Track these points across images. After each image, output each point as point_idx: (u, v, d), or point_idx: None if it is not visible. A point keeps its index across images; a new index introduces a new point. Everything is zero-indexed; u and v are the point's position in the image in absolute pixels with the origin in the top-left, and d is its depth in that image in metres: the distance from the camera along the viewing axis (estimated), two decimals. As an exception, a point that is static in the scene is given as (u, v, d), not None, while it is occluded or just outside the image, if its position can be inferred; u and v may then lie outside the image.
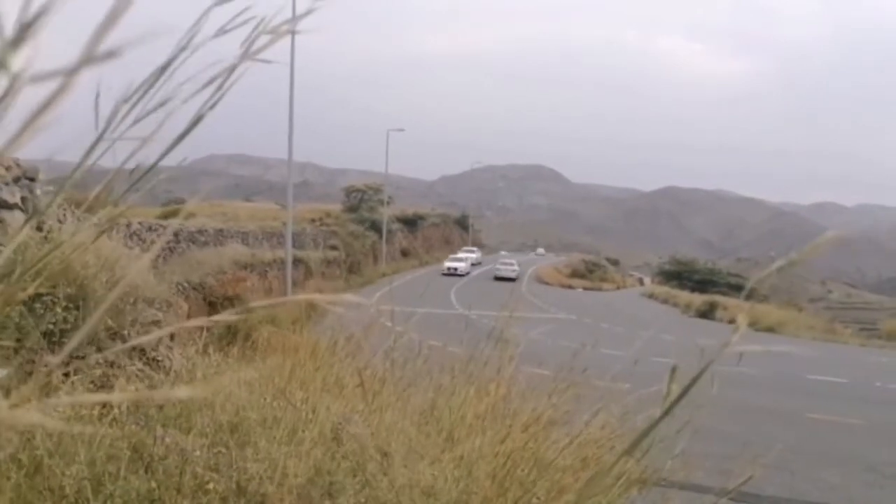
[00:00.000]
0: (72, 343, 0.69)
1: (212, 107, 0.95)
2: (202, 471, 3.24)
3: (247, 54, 0.92)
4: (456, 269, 50.30)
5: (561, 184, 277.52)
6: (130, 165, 0.96)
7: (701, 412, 4.11)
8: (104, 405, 3.72)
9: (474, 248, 67.76)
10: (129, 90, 0.91)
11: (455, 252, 60.97)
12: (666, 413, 0.89)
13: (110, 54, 0.68)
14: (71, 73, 0.66)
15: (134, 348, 4.78)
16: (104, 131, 0.89)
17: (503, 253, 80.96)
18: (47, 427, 0.59)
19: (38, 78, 0.66)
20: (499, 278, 48.81)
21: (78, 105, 0.88)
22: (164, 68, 0.93)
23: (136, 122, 0.94)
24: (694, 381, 0.86)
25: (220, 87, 0.93)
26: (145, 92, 0.91)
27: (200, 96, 0.95)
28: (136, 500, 3.05)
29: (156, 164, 0.98)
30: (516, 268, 52.84)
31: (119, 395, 0.66)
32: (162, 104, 0.93)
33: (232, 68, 0.93)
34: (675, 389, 0.84)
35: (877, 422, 12.36)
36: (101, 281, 4.89)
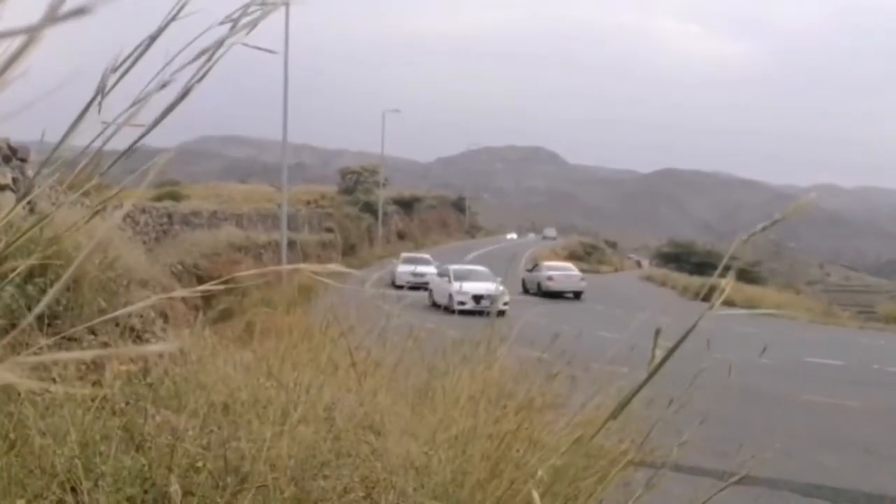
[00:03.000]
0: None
1: (200, 79, 0.92)
2: (193, 449, 3.22)
3: (240, 26, 0.88)
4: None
5: (559, 165, 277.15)
6: (121, 141, 0.93)
7: (699, 394, 4.10)
8: (95, 383, 3.70)
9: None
10: (116, 60, 0.87)
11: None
12: (651, 375, 0.86)
13: (79, 11, 0.64)
14: (35, 29, 0.62)
15: (125, 330, 4.75)
16: (91, 102, 0.86)
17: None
18: (18, 386, 0.56)
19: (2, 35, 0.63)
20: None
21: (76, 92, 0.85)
22: (153, 38, 0.90)
23: (133, 104, 0.91)
24: (677, 344, 0.83)
25: (208, 60, 0.90)
26: (134, 62, 0.87)
27: (191, 71, 0.92)
28: (128, 479, 3.03)
29: (142, 136, 0.95)
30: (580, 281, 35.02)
31: (86, 353, 0.62)
32: (163, 86, 0.90)
33: (221, 41, 0.89)
34: (660, 353, 0.81)
35: (874, 404, 12.39)
36: (93, 262, 4.85)
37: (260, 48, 0.90)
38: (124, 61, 0.89)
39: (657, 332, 0.85)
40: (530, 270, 36.37)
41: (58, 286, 0.78)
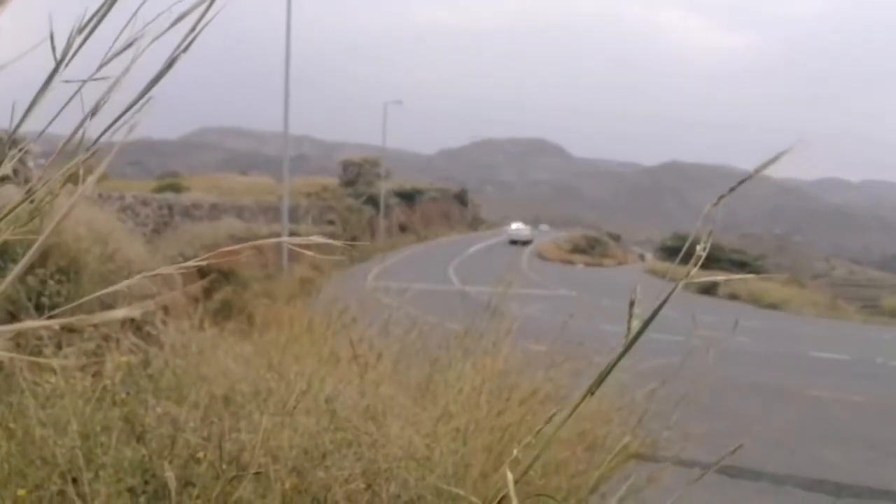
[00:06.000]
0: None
1: (185, 49, 0.87)
2: (194, 440, 3.21)
3: None
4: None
5: (563, 158, 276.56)
6: (104, 117, 0.90)
7: (701, 388, 4.08)
8: (95, 374, 3.69)
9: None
10: (82, 19, 0.83)
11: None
12: (628, 347, 0.83)
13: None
14: None
15: (125, 321, 4.73)
16: (59, 65, 0.82)
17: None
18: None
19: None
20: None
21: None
22: None
23: (102, 66, 0.87)
24: (655, 313, 0.80)
25: (194, 27, 0.85)
26: (100, 20, 0.82)
27: (174, 39, 0.87)
28: (128, 470, 3.03)
29: (128, 109, 0.90)
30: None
31: (54, 321, 0.61)
32: (129, 44, 0.85)
33: (209, 3, 0.84)
34: (636, 325, 0.79)
35: (879, 399, 12.36)
36: (93, 254, 4.84)
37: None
38: (90, 20, 0.83)
39: (631, 304, 0.82)
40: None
41: (30, 253, 0.75)
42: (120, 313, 0.50)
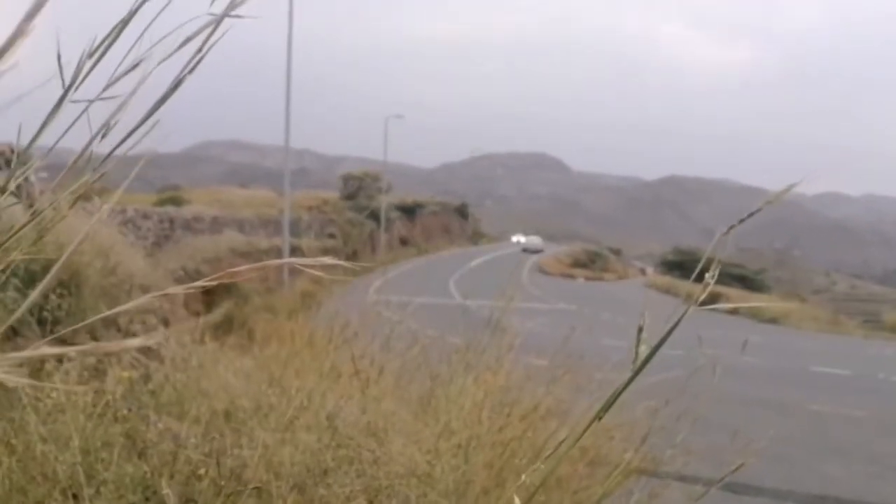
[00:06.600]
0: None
1: (191, 70, 0.88)
2: (195, 456, 3.21)
3: (232, 5, 0.85)
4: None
5: (562, 172, 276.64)
6: (112, 137, 0.91)
7: (702, 403, 4.08)
8: (97, 392, 3.68)
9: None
10: (92, 44, 0.84)
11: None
12: (636, 374, 0.84)
13: None
14: (26, 19, 0.61)
15: (126, 335, 4.73)
16: (69, 88, 0.83)
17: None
18: (7, 382, 0.55)
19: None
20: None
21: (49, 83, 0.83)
22: (125, 21, 0.86)
23: (109, 85, 0.88)
24: (662, 341, 0.81)
25: (200, 48, 0.87)
26: (110, 45, 0.84)
27: (183, 62, 0.89)
28: (130, 486, 3.02)
29: (136, 128, 0.91)
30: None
31: (71, 349, 0.61)
32: (136, 65, 0.87)
33: (217, 23, 0.86)
34: (644, 350, 0.80)
35: (880, 414, 12.33)
36: (95, 268, 4.85)
37: (252, 16, 0.86)
38: (100, 45, 0.85)
39: (640, 330, 0.83)
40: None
41: (48, 278, 0.77)
42: (136, 342, 0.50)
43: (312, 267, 0.80)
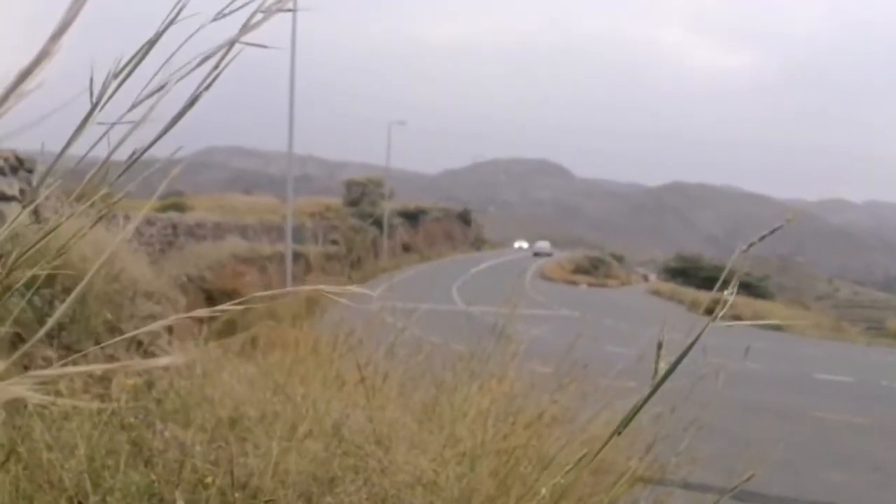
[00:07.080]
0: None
1: (207, 87, 0.90)
2: (202, 464, 3.21)
3: (245, 28, 0.87)
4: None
5: (565, 178, 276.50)
6: (125, 150, 0.92)
7: (706, 410, 4.08)
8: (103, 398, 3.69)
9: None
10: (118, 65, 0.86)
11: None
12: (655, 390, 0.85)
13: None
14: (52, 39, 0.62)
15: (132, 343, 4.74)
16: (94, 107, 0.85)
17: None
18: (30, 399, 0.56)
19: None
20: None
21: (76, 97, 0.84)
22: (152, 42, 0.88)
23: (134, 106, 0.90)
24: (680, 358, 0.82)
25: (216, 67, 0.89)
26: (135, 66, 0.86)
27: (197, 79, 0.91)
28: (136, 494, 3.02)
29: (150, 146, 0.94)
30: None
31: (95, 367, 0.62)
32: (160, 88, 0.89)
33: (229, 45, 0.88)
34: (663, 367, 0.81)
35: (883, 421, 12.30)
36: (99, 274, 4.86)
37: (264, 46, 0.88)
38: (126, 66, 0.87)
39: (659, 346, 0.84)
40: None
41: (70, 300, 0.78)
42: (163, 361, 0.51)
43: (340, 295, 0.81)
